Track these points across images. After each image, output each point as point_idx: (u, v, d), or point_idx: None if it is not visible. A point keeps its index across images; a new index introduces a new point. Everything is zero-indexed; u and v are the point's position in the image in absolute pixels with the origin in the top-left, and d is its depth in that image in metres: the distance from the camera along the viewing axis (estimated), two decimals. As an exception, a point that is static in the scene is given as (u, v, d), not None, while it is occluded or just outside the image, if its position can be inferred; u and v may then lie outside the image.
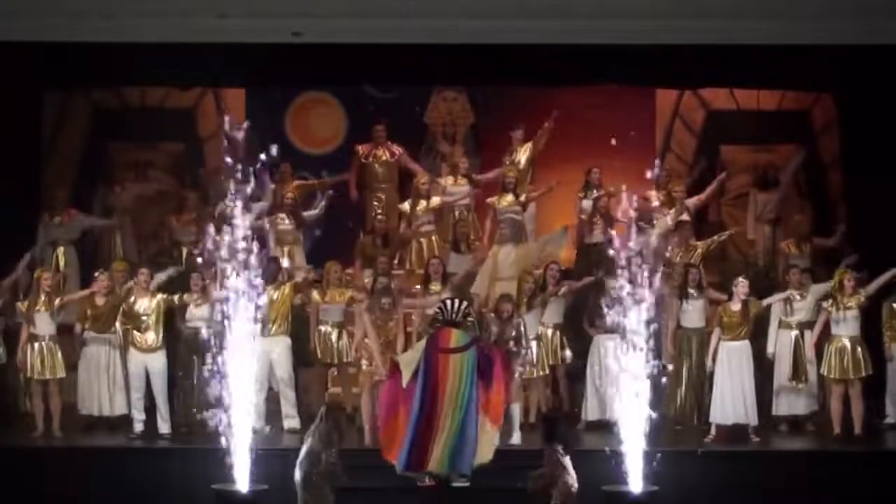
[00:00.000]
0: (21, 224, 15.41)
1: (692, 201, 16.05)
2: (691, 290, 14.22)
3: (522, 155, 16.60)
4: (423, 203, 16.10)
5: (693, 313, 14.20)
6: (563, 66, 15.02)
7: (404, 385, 11.73)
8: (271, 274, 13.82)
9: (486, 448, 11.70)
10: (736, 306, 13.91)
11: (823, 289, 14.16)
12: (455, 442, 11.53)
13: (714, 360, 13.90)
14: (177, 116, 17.46)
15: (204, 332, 12.50)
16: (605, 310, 12.33)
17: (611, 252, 12.17)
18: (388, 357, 12.75)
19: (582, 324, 14.32)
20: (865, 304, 13.92)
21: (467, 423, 11.51)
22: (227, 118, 12.37)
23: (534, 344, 14.04)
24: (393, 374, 12.10)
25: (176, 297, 13.99)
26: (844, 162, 16.43)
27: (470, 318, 12.22)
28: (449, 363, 11.47)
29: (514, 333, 13.38)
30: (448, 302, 12.00)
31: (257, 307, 11.74)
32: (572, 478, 11.28)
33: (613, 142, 16.27)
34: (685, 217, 15.67)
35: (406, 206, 16.20)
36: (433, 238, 16.15)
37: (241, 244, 11.64)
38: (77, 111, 17.32)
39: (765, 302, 14.13)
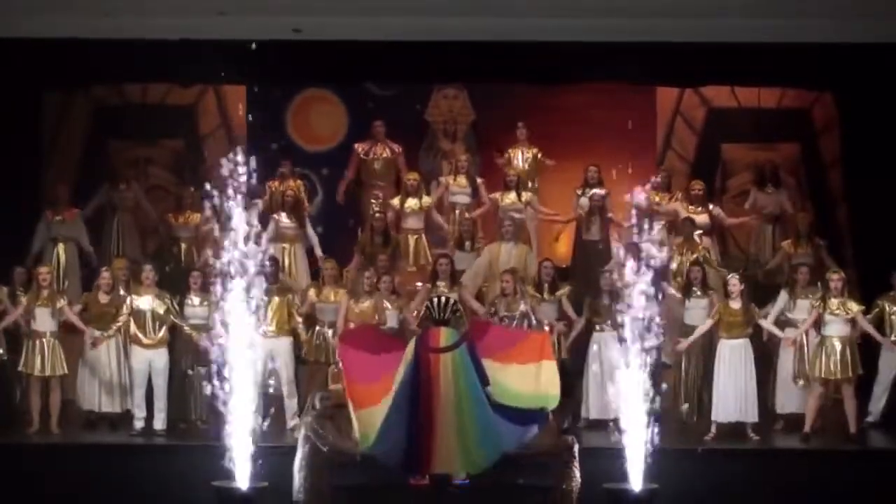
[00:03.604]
0: (22, 222, 15.42)
1: (719, 212, 16.11)
2: (695, 289, 14.23)
3: (524, 155, 16.62)
4: (411, 201, 16.09)
5: (696, 312, 14.18)
6: (563, 64, 15.03)
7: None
8: (271, 273, 13.81)
9: (548, 397, 11.52)
10: (736, 305, 13.90)
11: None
12: (478, 438, 11.30)
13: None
14: (177, 114, 17.45)
15: (203, 331, 12.50)
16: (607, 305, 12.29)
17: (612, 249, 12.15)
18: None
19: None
20: (855, 309, 13.83)
21: (485, 416, 11.30)
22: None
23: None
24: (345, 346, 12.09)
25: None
26: (844, 161, 16.44)
27: (458, 315, 12.15)
28: (440, 363, 11.33)
29: (521, 308, 13.37)
30: (436, 300, 11.92)
31: (257, 307, 11.73)
32: (577, 477, 11.30)
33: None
34: (700, 218, 15.70)
35: (396, 201, 16.16)
36: (422, 237, 16.07)
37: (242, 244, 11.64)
38: (77, 109, 17.30)
39: (767, 320, 14.13)
